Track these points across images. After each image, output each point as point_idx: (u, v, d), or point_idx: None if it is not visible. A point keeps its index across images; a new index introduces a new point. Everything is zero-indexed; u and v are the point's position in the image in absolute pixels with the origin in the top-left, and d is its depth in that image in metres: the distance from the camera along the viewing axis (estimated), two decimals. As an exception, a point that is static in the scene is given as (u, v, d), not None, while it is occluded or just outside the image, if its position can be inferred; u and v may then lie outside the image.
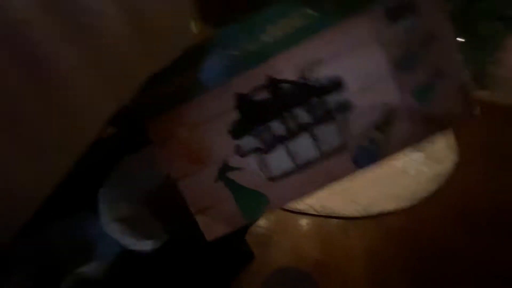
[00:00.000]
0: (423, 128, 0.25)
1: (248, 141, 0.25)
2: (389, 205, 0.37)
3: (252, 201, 0.25)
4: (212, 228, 0.26)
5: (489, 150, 0.39)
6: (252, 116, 0.24)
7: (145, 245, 0.26)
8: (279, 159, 0.25)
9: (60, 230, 0.28)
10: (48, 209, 0.18)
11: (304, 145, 0.25)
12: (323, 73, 0.24)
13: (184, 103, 0.24)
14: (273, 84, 0.24)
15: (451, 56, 0.24)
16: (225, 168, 0.25)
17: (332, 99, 0.24)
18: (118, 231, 0.26)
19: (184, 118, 0.24)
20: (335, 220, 0.38)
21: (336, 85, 0.24)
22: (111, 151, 0.30)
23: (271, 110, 0.24)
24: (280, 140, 0.25)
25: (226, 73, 0.24)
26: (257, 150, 0.25)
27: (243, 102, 0.24)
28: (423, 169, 0.38)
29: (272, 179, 0.25)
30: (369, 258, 0.35)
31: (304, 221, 0.38)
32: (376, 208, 0.37)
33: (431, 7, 0.23)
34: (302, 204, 0.37)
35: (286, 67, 0.24)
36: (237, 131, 0.25)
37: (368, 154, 0.25)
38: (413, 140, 0.25)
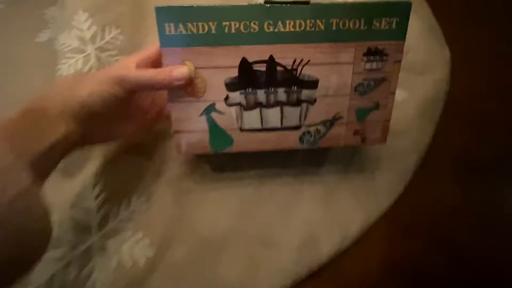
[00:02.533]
0: (351, 137, 0.36)
1: (236, 96, 0.32)
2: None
3: (221, 138, 0.34)
4: (183, 146, 0.33)
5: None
6: (247, 79, 0.31)
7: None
8: (252, 118, 0.33)
9: None
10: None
11: (273, 115, 0.33)
12: (308, 71, 0.32)
13: (204, 45, 0.29)
14: (272, 63, 0.31)
15: (390, 96, 0.35)
16: (211, 108, 0.32)
17: (305, 92, 0.33)
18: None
19: (199, 56, 0.30)
20: None
21: (312, 83, 0.33)
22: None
23: (262, 82, 0.32)
24: (259, 105, 0.33)
25: (241, 38, 0.30)
26: (239, 105, 0.32)
27: (245, 66, 0.31)
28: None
29: (241, 129, 0.34)
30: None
31: None
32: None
33: (392, 59, 0.33)
34: None
35: (287, 56, 0.31)
36: (231, 86, 0.32)
37: (310, 139, 0.35)
38: (341, 141, 0.36)
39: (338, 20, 0.30)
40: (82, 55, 0.34)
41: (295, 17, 0.30)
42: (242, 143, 0.34)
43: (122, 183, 0.35)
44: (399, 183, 0.40)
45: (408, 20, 0.32)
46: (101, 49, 0.35)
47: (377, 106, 0.35)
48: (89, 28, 0.33)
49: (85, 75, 0.30)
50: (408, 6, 0.31)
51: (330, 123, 0.35)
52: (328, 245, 0.35)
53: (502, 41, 0.52)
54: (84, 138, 0.28)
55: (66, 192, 0.32)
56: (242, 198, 0.37)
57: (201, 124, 0.33)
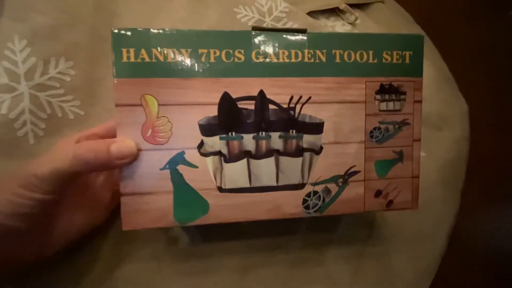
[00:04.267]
0: (372, 200, 0.26)
1: (214, 143, 0.23)
2: None
3: (191, 204, 0.23)
4: (133, 217, 0.22)
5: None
6: (230, 120, 0.23)
7: None
8: (236, 173, 0.24)
9: None
10: None
11: (265, 170, 0.24)
12: (309, 111, 0.24)
13: (173, 76, 0.22)
14: (263, 99, 0.24)
15: (415, 144, 0.27)
16: (179, 159, 0.23)
17: (308, 138, 0.25)
18: None
19: (165, 89, 0.22)
20: None
21: (316, 127, 0.25)
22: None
23: (250, 123, 0.24)
24: (246, 155, 0.24)
25: (224, 70, 0.23)
26: (219, 154, 0.23)
27: (228, 103, 0.23)
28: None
29: (221, 189, 0.24)
30: None
31: None
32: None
33: (411, 99, 0.26)
34: None
35: (281, 92, 0.24)
36: (208, 128, 0.23)
37: (318, 202, 0.25)
38: (361, 206, 0.26)
39: (342, 51, 0.25)
40: (10, 95, 0.25)
41: (290, 47, 0.24)
42: (222, 210, 0.24)
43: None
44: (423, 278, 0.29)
45: (422, 54, 0.26)
46: (40, 87, 0.27)
47: (400, 157, 0.27)
48: (25, 60, 0.26)
49: None
50: (421, 39, 0.26)
51: (343, 180, 0.25)
52: None
53: None
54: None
55: None
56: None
57: (163, 182, 0.23)
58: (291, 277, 0.30)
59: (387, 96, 0.26)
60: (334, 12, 0.48)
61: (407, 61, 0.26)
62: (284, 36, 0.24)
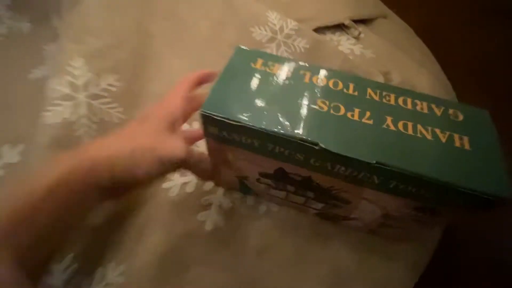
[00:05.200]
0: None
1: (267, 181, 0.28)
2: None
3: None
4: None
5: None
6: (281, 180, 0.27)
7: None
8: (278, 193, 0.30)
9: None
10: None
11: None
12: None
13: (244, 149, 0.24)
14: (309, 182, 0.25)
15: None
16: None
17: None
18: None
19: (238, 154, 0.25)
20: None
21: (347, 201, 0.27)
22: None
23: (295, 186, 0.27)
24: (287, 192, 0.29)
25: (284, 158, 0.24)
26: (269, 185, 0.29)
27: (281, 173, 0.25)
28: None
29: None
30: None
31: None
32: None
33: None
34: None
35: (327, 184, 0.25)
36: (265, 176, 0.27)
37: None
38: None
39: (399, 184, 0.22)
40: (71, 102, 0.32)
41: (348, 166, 0.22)
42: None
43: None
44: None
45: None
46: (94, 96, 0.33)
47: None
48: (82, 75, 0.32)
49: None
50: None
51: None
52: None
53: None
54: None
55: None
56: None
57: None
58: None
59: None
60: (339, 27, 0.53)
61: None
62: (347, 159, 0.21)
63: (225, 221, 0.32)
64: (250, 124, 0.21)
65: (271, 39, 0.42)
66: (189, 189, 0.33)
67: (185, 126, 0.36)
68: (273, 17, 0.42)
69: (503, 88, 0.54)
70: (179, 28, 0.38)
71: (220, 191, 0.33)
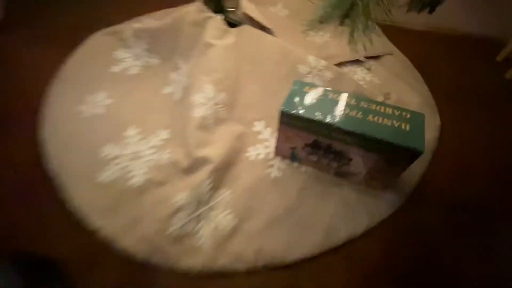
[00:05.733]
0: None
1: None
2: (355, 229, 0.52)
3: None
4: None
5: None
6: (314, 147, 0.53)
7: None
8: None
9: None
10: None
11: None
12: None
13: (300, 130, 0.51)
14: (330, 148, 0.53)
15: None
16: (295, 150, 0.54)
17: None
18: None
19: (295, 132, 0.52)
20: (278, 271, 0.46)
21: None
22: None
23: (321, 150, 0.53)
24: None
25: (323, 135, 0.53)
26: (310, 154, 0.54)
27: (314, 143, 0.52)
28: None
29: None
30: None
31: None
32: (338, 238, 0.50)
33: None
34: (224, 256, 0.47)
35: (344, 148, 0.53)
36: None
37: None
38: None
39: (371, 143, 0.47)
40: (206, 107, 0.59)
41: (347, 135, 0.47)
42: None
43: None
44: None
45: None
46: (215, 104, 0.60)
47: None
48: (210, 93, 0.60)
49: None
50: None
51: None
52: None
53: (484, 111, 0.73)
54: None
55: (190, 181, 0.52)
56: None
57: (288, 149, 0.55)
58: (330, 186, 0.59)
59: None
60: (355, 62, 0.78)
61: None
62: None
63: (281, 174, 0.56)
64: (305, 115, 0.47)
65: (309, 72, 0.68)
66: (260, 156, 0.59)
67: (259, 126, 0.63)
68: (311, 59, 0.68)
69: (468, 106, 0.74)
70: (255, 66, 0.65)
71: (278, 159, 0.58)
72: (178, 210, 0.48)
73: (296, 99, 0.49)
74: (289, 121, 0.49)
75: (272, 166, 0.57)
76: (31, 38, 0.86)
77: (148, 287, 0.44)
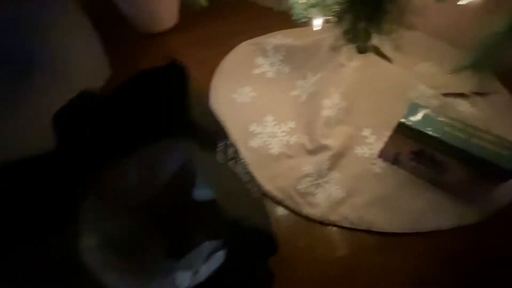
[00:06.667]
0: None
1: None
2: (443, 223, 0.64)
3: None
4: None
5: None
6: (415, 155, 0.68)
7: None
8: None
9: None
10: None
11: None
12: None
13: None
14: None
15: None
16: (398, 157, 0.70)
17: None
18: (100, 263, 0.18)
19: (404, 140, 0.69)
20: (372, 235, 0.60)
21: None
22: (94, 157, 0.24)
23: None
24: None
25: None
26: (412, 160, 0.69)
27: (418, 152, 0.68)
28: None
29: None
30: (409, 278, 0.56)
31: (335, 235, 0.61)
32: (426, 225, 0.65)
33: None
34: (335, 215, 0.63)
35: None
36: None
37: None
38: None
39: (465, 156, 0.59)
40: (331, 110, 0.79)
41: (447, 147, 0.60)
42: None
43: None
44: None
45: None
46: (339, 109, 0.79)
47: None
48: (337, 101, 0.79)
49: None
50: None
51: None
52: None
53: None
54: None
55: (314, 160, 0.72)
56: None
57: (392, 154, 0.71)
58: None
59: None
60: (461, 94, 0.87)
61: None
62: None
63: (382, 171, 0.72)
64: (419, 128, 0.62)
65: (417, 98, 0.81)
66: (365, 155, 0.75)
67: (366, 132, 0.79)
68: (422, 87, 0.81)
69: None
70: (372, 86, 0.82)
71: (380, 160, 0.74)
72: (305, 176, 0.69)
73: (412, 115, 0.64)
74: (403, 131, 0.64)
75: (374, 164, 0.73)
76: (194, 39, 1.16)
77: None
